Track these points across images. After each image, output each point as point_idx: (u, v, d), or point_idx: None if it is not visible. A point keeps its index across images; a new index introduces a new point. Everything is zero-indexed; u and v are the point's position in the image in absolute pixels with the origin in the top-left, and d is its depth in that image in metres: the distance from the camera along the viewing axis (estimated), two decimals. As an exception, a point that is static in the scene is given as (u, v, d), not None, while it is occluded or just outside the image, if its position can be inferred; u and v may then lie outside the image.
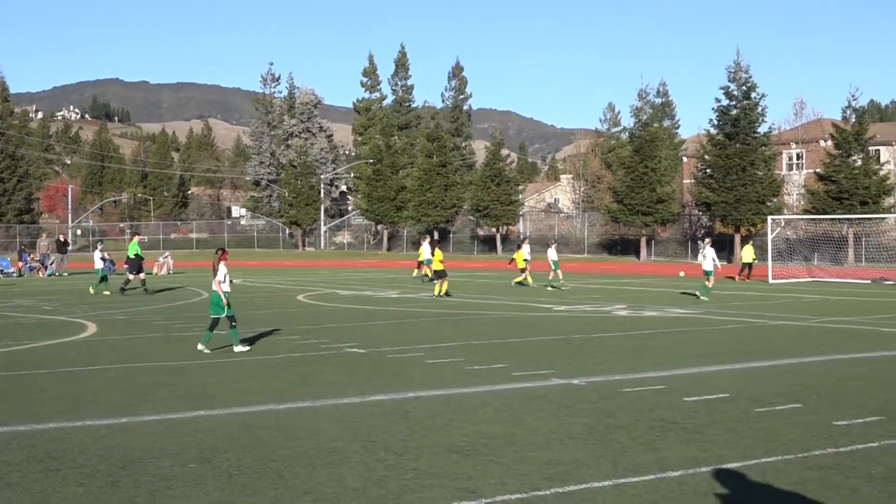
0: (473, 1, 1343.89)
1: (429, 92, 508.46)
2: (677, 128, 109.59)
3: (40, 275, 53.41)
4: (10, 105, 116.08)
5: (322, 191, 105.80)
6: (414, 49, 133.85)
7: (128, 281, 36.29)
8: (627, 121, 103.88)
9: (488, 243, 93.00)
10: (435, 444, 9.77)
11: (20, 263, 56.15)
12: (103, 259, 39.09)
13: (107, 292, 35.29)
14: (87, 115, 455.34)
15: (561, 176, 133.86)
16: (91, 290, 35.95)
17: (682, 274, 49.24)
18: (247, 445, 9.75)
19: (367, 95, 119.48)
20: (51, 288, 40.78)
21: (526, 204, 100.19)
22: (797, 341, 19.47)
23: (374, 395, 12.77)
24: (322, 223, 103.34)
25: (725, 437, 10.11)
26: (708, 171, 71.79)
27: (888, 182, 67.53)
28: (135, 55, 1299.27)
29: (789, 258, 51.14)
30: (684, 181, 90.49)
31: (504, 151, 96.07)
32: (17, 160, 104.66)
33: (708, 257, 32.84)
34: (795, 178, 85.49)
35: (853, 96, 69.56)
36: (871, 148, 70.61)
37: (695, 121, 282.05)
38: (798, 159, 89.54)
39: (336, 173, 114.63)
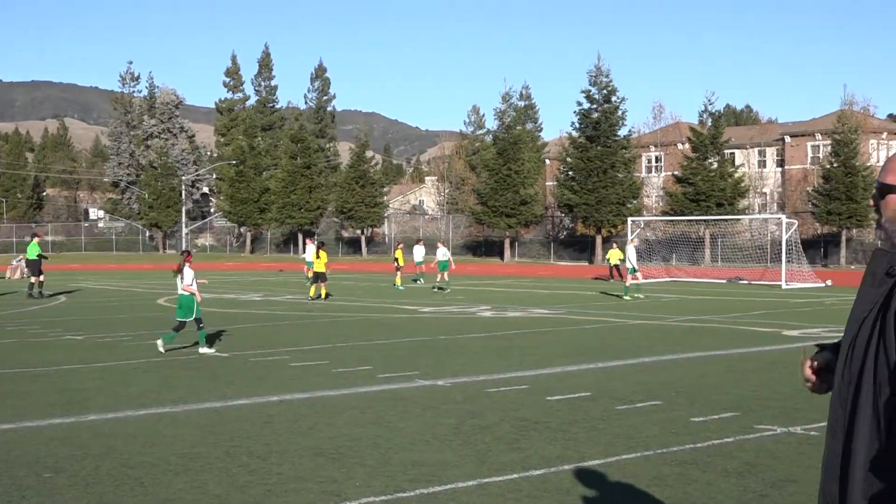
0: (338, 2, 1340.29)
1: (292, 93, 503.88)
2: (540, 130, 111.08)
3: None
4: None
5: (183, 192, 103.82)
6: (277, 49, 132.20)
7: (31, 285, 34.94)
8: (491, 123, 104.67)
9: (353, 245, 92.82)
10: (299, 448, 9.67)
11: None
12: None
13: None
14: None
15: (426, 178, 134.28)
16: None
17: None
18: (104, 453, 9.47)
19: (229, 96, 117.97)
20: None
21: (391, 206, 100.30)
22: (657, 340, 19.93)
23: (237, 400, 12.58)
24: (183, 225, 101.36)
25: (588, 435, 10.28)
26: (570, 173, 72.94)
27: (742, 184, 69.86)
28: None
29: (648, 259, 52.28)
30: (547, 183, 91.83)
31: (369, 153, 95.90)
32: None
33: (628, 256, 33.40)
34: (655, 180, 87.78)
35: (709, 101, 71.65)
36: (726, 151, 72.97)
37: (557, 124, 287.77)
38: (657, 162, 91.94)
39: (198, 175, 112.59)
